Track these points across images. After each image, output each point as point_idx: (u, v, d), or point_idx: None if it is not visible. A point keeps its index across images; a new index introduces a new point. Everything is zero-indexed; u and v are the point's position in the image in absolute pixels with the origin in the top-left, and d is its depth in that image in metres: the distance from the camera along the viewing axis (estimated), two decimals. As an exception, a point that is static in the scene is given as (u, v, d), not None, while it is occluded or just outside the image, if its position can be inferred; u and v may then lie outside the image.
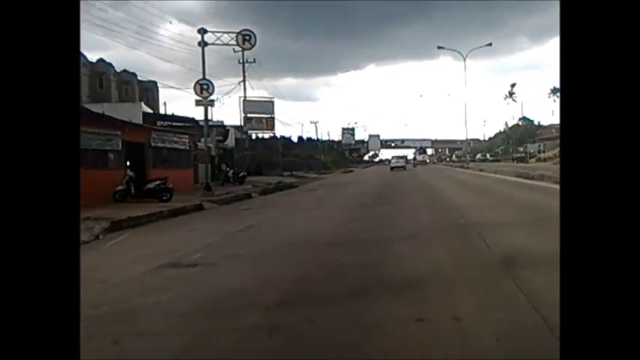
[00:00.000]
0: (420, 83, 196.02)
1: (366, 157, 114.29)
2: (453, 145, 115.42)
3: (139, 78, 43.09)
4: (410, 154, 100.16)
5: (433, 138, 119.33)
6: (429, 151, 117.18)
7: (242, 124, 38.09)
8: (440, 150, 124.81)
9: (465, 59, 44.74)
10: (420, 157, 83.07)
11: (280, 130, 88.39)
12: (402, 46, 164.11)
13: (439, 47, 45.12)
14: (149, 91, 43.66)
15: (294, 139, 73.21)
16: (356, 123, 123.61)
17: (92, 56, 42.57)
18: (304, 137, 77.65)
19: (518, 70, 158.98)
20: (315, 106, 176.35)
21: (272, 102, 46.21)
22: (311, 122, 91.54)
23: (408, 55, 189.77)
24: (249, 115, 39.47)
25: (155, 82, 43.56)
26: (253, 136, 44.39)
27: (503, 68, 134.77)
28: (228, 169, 20.34)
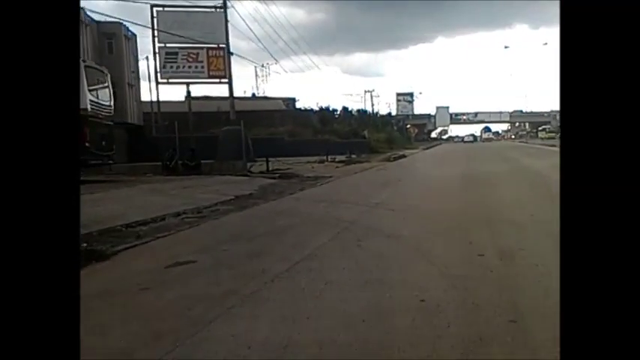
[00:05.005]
0: (493, 54, 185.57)
1: (433, 134, 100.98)
2: (537, 119, 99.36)
3: (96, 19, 27.59)
4: (478, 131, 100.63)
5: (510, 110, 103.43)
6: (505, 127, 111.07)
7: (156, 66, 21.29)
8: (518, 124, 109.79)
9: None
10: (485, 135, 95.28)
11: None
12: (472, 16, 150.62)
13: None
14: (111, 37, 28.27)
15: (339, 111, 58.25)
16: (420, 93, 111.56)
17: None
18: (352, 109, 62.40)
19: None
20: (383, 82, 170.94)
21: (222, 14, 21.92)
22: (366, 91, 75.36)
23: (479, 25, 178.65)
24: (168, 46, 21.55)
25: (123, 26, 27.94)
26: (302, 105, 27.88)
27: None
28: None
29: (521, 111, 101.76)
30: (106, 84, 15.10)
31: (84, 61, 14.40)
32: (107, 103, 15.03)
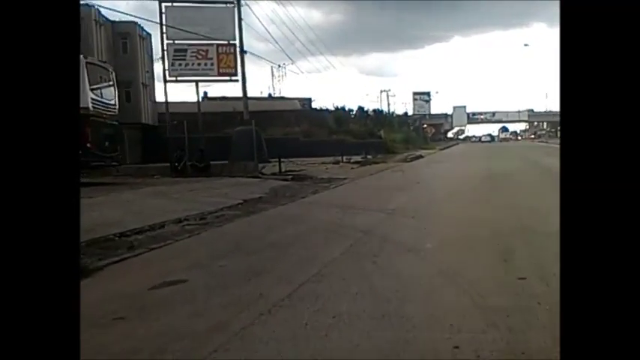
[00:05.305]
0: (511, 53, 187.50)
1: (450, 134, 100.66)
2: (555, 118, 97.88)
3: (110, 18, 26.75)
4: (495, 130, 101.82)
5: (529, 108, 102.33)
6: (523, 126, 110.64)
7: (165, 63, 20.29)
8: (537, 124, 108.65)
9: None
10: (503, 135, 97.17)
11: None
12: (489, 15, 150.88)
13: None
14: (125, 36, 27.66)
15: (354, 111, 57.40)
16: (437, 92, 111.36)
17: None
18: (368, 109, 61.52)
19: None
20: (400, 81, 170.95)
21: (233, 9, 21.14)
22: (382, 91, 74.34)
23: (496, 24, 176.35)
24: (177, 43, 19.43)
25: (138, 25, 27.23)
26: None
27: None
28: None
29: (532, 110, 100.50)
30: (111, 82, 14.43)
31: (85, 57, 13.80)
32: (111, 102, 14.38)
